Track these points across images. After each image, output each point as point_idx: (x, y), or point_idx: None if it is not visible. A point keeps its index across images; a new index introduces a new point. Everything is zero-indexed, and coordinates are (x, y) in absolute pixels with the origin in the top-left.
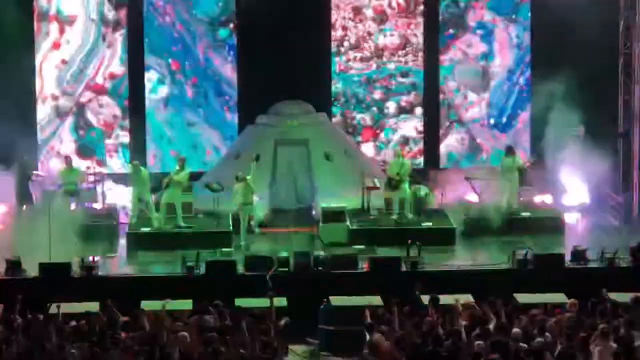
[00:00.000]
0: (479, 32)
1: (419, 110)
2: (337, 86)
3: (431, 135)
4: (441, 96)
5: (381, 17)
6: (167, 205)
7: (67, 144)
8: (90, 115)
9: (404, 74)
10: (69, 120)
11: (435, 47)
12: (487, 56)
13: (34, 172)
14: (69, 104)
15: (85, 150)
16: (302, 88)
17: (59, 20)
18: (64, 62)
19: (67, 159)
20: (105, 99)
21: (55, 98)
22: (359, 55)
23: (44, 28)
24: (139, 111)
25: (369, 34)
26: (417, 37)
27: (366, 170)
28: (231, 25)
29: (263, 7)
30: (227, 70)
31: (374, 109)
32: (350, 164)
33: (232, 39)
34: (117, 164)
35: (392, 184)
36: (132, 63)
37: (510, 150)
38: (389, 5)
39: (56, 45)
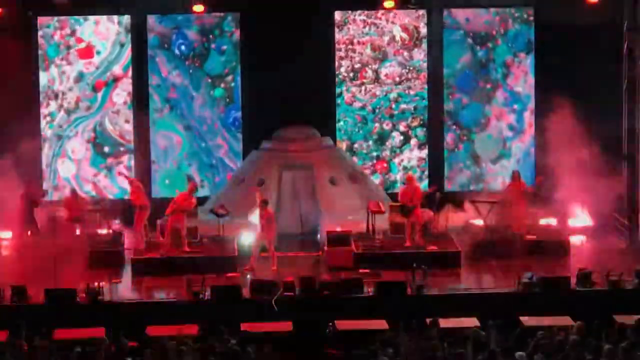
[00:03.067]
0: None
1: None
2: (345, 120)
3: (435, 158)
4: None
5: (383, 52)
6: (173, 230)
7: (81, 144)
8: (107, 123)
9: (406, 98)
10: (88, 123)
11: (439, 70)
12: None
13: (42, 199)
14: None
15: (96, 155)
16: (306, 114)
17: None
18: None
19: (72, 189)
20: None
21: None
22: (362, 88)
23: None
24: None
25: (372, 62)
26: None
27: (371, 193)
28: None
29: (267, 33)
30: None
31: (387, 143)
32: (355, 188)
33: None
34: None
35: (406, 211)
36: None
37: (516, 175)
38: (393, 39)
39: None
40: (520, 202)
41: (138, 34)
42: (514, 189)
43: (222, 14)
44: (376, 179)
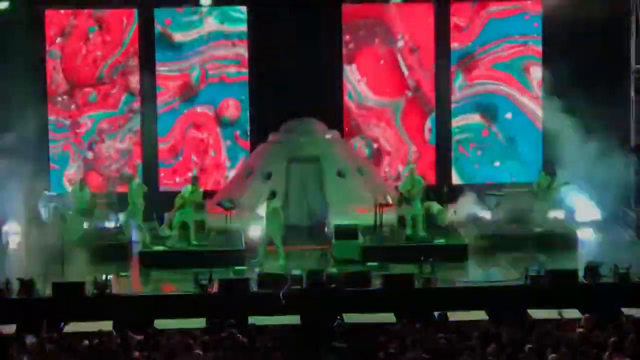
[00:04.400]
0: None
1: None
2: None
3: (443, 151)
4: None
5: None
6: (181, 224)
7: None
8: None
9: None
10: None
11: (446, 60)
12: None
13: (45, 191)
14: None
15: None
16: (314, 106)
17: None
18: None
19: (81, 180)
20: None
21: None
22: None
23: None
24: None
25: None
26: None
27: (378, 187)
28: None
29: (275, 26)
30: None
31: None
32: (362, 181)
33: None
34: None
35: (403, 201)
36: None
37: (550, 170)
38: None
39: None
40: (549, 196)
41: (145, 27)
42: (544, 183)
43: None
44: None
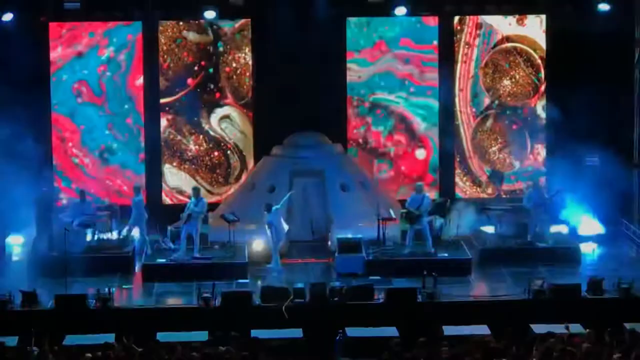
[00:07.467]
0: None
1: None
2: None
3: (446, 166)
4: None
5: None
6: (187, 237)
7: None
8: None
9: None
10: None
11: (451, 71)
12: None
13: (55, 203)
14: None
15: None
16: (317, 120)
17: None
18: None
19: (82, 192)
20: None
21: None
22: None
23: None
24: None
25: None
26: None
27: (382, 200)
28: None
29: (280, 39)
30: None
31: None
32: (366, 195)
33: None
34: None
35: (411, 218)
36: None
37: (539, 185)
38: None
39: None
40: (541, 210)
41: (150, 39)
42: (539, 197)
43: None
44: None
